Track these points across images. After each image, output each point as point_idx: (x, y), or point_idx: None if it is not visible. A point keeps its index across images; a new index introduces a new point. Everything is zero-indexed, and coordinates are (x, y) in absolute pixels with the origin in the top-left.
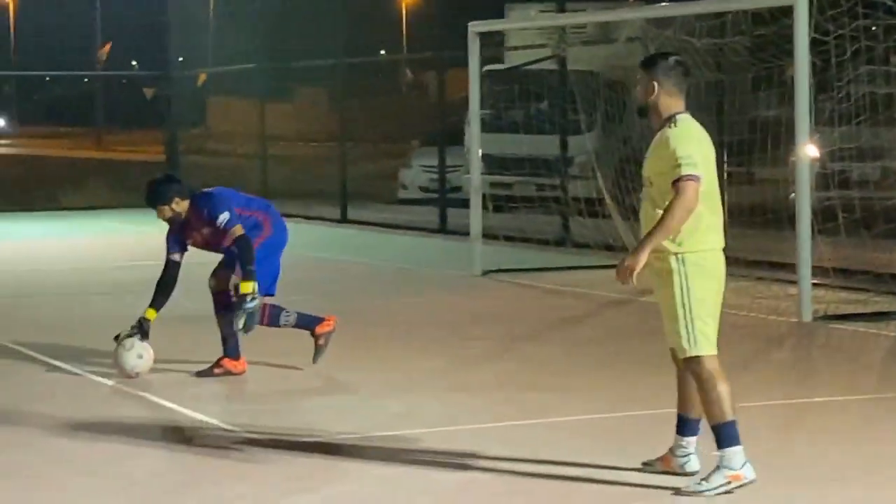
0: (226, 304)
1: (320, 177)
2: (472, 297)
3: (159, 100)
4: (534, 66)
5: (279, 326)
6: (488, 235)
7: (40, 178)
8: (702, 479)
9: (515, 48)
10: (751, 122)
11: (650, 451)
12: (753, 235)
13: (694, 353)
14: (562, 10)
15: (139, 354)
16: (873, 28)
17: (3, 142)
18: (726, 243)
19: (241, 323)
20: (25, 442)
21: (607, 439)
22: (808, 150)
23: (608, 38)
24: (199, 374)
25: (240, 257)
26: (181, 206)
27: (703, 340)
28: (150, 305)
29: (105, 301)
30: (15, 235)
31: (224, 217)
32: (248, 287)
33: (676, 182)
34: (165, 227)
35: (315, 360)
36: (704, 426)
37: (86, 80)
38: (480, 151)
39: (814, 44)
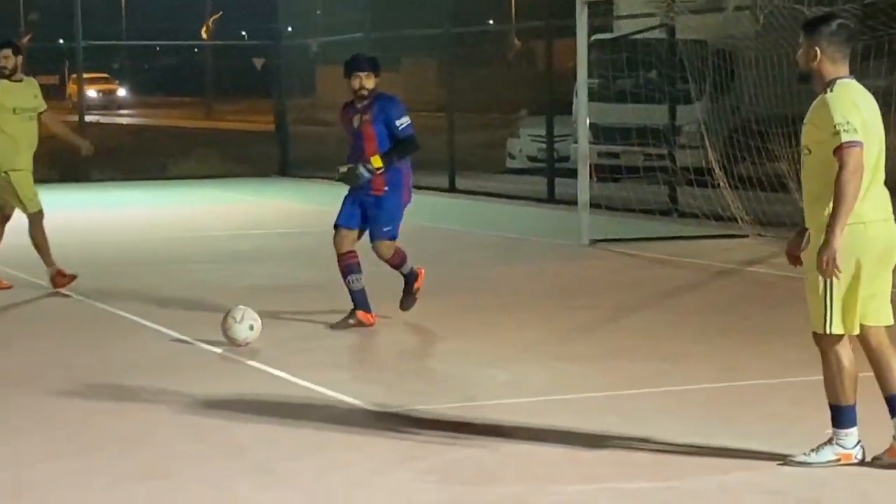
0: (349, 263)
1: (428, 146)
2: (580, 267)
3: (269, 69)
4: (642, 36)
5: (399, 270)
6: (596, 205)
7: (150, 148)
8: (811, 451)
9: (624, 17)
10: None
11: (759, 420)
12: None
13: (823, 331)
14: None
15: (250, 326)
16: None
17: (122, 112)
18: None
19: (342, 170)
20: (136, 409)
21: (715, 409)
22: None
23: (717, 6)
24: (334, 326)
25: (395, 148)
26: (371, 82)
27: (837, 320)
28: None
29: (212, 270)
30: (124, 204)
31: (406, 121)
32: (378, 162)
33: (837, 150)
34: (270, 197)
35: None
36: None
37: (196, 49)
38: (588, 121)
39: None
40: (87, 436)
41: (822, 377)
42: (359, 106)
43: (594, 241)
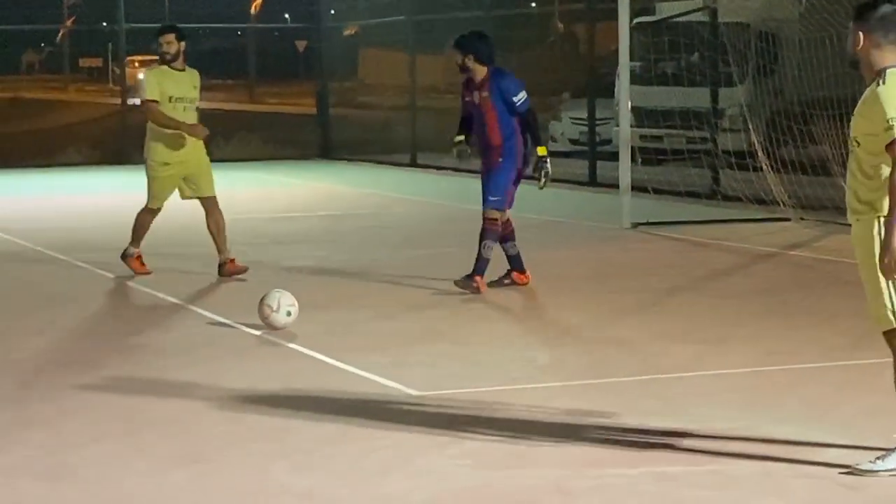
0: (489, 229)
1: None
2: (621, 250)
3: (311, 52)
4: (684, 18)
5: (504, 245)
6: (638, 188)
7: None
8: (877, 458)
9: (666, 0)
10: None
11: (801, 405)
12: None
13: (893, 325)
14: None
15: (287, 311)
16: None
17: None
18: None
19: (542, 181)
20: (175, 392)
21: (756, 393)
22: None
23: None
24: (493, 283)
25: (530, 128)
26: (474, 65)
27: None
28: (458, 132)
29: (253, 252)
30: None
31: (523, 96)
32: (544, 150)
33: (890, 146)
34: (312, 180)
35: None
36: None
37: (239, 32)
38: (630, 104)
39: None
40: (126, 419)
41: (867, 363)
42: (476, 82)
43: (636, 225)
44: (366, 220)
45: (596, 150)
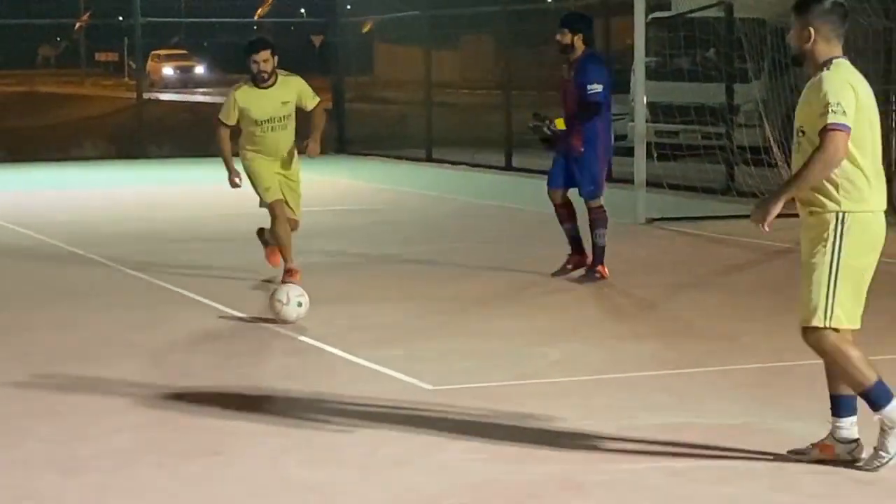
0: (569, 213)
1: (485, 124)
2: (636, 245)
3: (327, 47)
4: (700, 14)
5: (594, 233)
6: (652, 184)
7: (207, 125)
8: (876, 449)
9: None
10: None
11: (813, 401)
12: None
13: (825, 325)
14: None
15: (298, 303)
16: None
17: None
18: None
19: (531, 125)
20: (187, 385)
21: (769, 389)
22: None
23: None
24: (581, 279)
25: (577, 113)
26: (567, 38)
27: (840, 313)
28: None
29: None
30: (180, 181)
31: (597, 87)
32: (561, 125)
33: (822, 132)
34: (327, 174)
35: (554, 273)
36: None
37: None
38: (646, 99)
39: None
40: (139, 412)
41: (884, 358)
42: (571, 62)
43: (651, 220)
44: (380, 215)
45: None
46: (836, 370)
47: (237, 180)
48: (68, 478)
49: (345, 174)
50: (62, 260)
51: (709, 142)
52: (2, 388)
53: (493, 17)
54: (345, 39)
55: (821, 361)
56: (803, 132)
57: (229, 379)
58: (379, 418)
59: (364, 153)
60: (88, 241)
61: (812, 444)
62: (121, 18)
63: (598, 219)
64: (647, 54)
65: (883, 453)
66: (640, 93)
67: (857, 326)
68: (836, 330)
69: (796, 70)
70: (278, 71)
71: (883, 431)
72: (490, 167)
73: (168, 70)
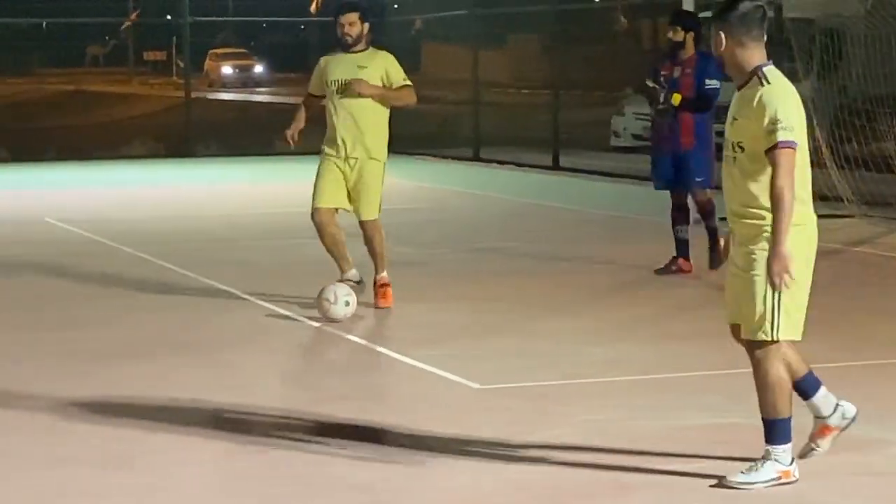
0: (685, 216)
1: (532, 124)
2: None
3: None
4: None
5: (707, 221)
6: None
7: (254, 124)
8: (750, 468)
9: None
10: None
11: (865, 402)
12: None
13: (770, 338)
14: None
15: (346, 302)
16: None
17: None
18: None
19: (650, 84)
20: (233, 383)
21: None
22: None
23: None
24: (658, 271)
25: (694, 100)
26: (679, 35)
27: (786, 324)
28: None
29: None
30: (227, 180)
31: (715, 84)
32: (678, 101)
33: (772, 150)
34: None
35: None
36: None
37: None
38: None
39: None
40: (182, 409)
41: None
42: (681, 59)
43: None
44: (427, 214)
45: None
46: (761, 383)
47: (291, 134)
48: (114, 475)
49: (391, 172)
50: (111, 257)
51: None
52: (49, 384)
53: (541, 16)
54: (392, 38)
55: (873, 362)
56: (742, 147)
57: (276, 377)
58: (428, 417)
59: (411, 152)
60: (137, 239)
61: (809, 439)
62: (169, 18)
63: (709, 211)
64: None
65: (755, 475)
66: None
67: (799, 338)
68: (780, 345)
69: (845, 70)
70: (372, 46)
71: (763, 458)
72: (537, 167)
73: (227, 69)
